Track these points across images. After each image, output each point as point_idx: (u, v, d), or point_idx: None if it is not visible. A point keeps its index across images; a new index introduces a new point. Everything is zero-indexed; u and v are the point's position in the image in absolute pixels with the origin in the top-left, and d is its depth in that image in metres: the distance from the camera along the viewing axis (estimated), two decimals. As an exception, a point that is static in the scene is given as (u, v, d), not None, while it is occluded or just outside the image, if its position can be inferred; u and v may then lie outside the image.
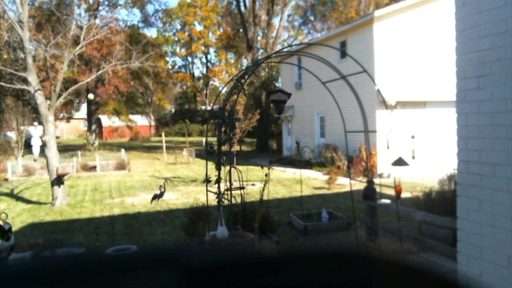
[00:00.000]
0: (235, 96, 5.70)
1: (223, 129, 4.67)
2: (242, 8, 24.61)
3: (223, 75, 36.47)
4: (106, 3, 21.58)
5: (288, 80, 17.63)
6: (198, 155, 19.05)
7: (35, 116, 15.34)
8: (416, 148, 11.20)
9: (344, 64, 10.20)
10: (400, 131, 10.92)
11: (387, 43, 11.58)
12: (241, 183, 5.13)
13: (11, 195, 10.55)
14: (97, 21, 17.17)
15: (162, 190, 7.63)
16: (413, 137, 11.06)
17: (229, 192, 4.36)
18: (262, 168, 7.14)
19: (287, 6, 26.34)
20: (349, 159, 11.18)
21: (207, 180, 4.29)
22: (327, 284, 0.57)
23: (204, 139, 8.28)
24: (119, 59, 12.07)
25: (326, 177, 10.76)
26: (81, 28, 9.80)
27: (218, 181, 4.10)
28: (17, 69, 10.03)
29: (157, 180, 12.25)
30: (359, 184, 7.38)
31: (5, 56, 11.91)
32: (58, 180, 8.74)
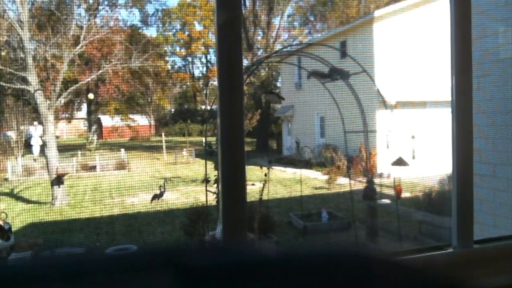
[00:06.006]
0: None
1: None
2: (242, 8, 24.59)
3: (223, 75, 36.31)
4: (106, 2, 21.55)
5: (288, 80, 17.64)
6: (198, 155, 19.05)
7: (35, 116, 15.33)
8: (416, 148, 11.20)
9: (344, 64, 10.20)
10: (400, 131, 10.92)
11: (387, 43, 11.59)
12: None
13: (11, 195, 10.55)
14: (98, 20, 17.18)
15: (162, 190, 7.61)
16: (413, 137, 11.07)
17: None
18: (261, 168, 7.13)
19: (287, 6, 26.32)
20: (349, 159, 11.18)
21: (206, 180, 4.30)
22: (327, 284, 0.57)
23: (204, 139, 8.29)
24: (119, 59, 12.08)
25: (326, 177, 10.76)
26: (81, 27, 9.81)
27: (217, 180, 4.11)
28: (17, 68, 10.02)
29: (157, 180, 12.24)
30: (359, 184, 7.38)
31: (3, 54, 11.90)
32: (58, 180, 8.75)
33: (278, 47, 25.29)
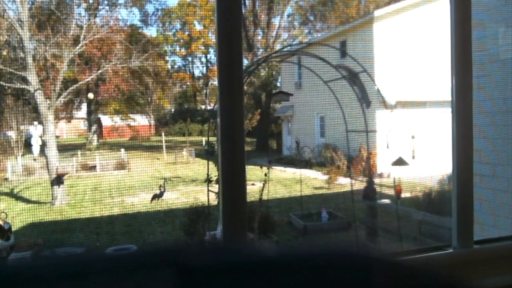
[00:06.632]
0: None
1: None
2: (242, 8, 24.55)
3: (223, 75, 36.22)
4: (106, 2, 21.55)
5: (288, 79, 17.65)
6: (198, 154, 19.05)
7: (35, 116, 15.32)
8: (416, 148, 11.21)
9: (345, 63, 10.20)
10: (400, 131, 10.92)
11: (387, 43, 11.60)
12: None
13: (11, 194, 10.55)
14: (98, 20, 17.18)
15: (162, 189, 7.62)
16: (413, 137, 11.07)
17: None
18: (261, 168, 7.13)
19: (287, 6, 26.31)
20: (349, 159, 11.18)
21: (208, 180, 4.30)
22: (327, 284, 0.57)
23: (204, 139, 8.31)
24: (119, 58, 12.10)
25: (326, 177, 10.76)
26: (81, 27, 9.82)
27: (218, 180, 4.11)
28: (17, 68, 10.03)
29: (157, 180, 12.24)
30: (359, 184, 7.38)
31: (4, 53, 11.91)
32: (58, 180, 8.76)
33: (278, 47, 25.25)
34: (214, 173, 4.20)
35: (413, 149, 11.09)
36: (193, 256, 0.59)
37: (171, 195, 9.36)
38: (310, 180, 11.42)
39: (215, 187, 4.23)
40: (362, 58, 9.31)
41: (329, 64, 3.99)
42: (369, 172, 7.91)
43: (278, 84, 20.79)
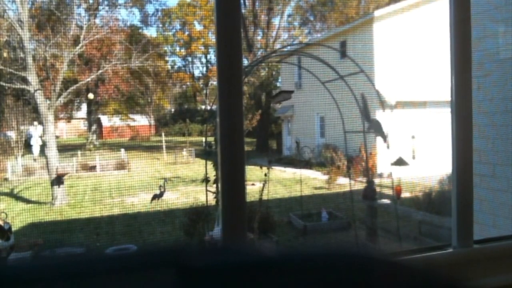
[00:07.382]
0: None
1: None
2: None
3: (223, 75, 36.17)
4: (106, 2, 21.56)
5: (288, 79, 17.65)
6: (198, 155, 19.05)
7: (35, 116, 15.32)
8: (416, 148, 11.21)
9: (345, 64, 10.20)
10: (400, 131, 10.92)
11: (387, 43, 11.60)
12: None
13: (11, 195, 10.55)
14: (98, 20, 17.18)
15: (162, 190, 7.61)
16: (413, 137, 11.08)
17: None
18: (261, 168, 7.12)
19: (287, 6, 26.31)
20: (349, 159, 11.18)
21: (206, 180, 4.30)
22: (326, 284, 0.57)
23: (204, 139, 8.31)
24: (119, 59, 12.10)
25: (326, 177, 10.77)
26: (81, 27, 9.82)
27: (216, 180, 4.12)
28: (17, 68, 10.03)
29: (157, 180, 12.24)
30: (359, 184, 7.38)
31: (5, 55, 11.93)
32: (58, 180, 8.76)
33: (278, 47, 25.24)
34: (212, 173, 4.21)
35: (413, 149, 11.09)
36: (193, 256, 0.59)
37: (171, 195, 9.35)
38: (310, 180, 11.42)
39: (212, 188, 4.23)
40: (362, 58, 9.33)
41: (328, 65, 4.00)
42: (369, 172, 7.92)
43: (278, 84, 20.81)
